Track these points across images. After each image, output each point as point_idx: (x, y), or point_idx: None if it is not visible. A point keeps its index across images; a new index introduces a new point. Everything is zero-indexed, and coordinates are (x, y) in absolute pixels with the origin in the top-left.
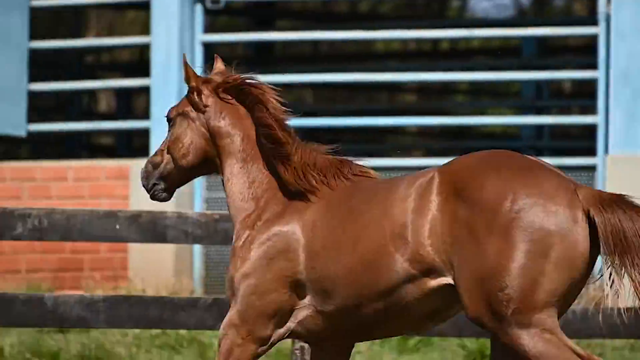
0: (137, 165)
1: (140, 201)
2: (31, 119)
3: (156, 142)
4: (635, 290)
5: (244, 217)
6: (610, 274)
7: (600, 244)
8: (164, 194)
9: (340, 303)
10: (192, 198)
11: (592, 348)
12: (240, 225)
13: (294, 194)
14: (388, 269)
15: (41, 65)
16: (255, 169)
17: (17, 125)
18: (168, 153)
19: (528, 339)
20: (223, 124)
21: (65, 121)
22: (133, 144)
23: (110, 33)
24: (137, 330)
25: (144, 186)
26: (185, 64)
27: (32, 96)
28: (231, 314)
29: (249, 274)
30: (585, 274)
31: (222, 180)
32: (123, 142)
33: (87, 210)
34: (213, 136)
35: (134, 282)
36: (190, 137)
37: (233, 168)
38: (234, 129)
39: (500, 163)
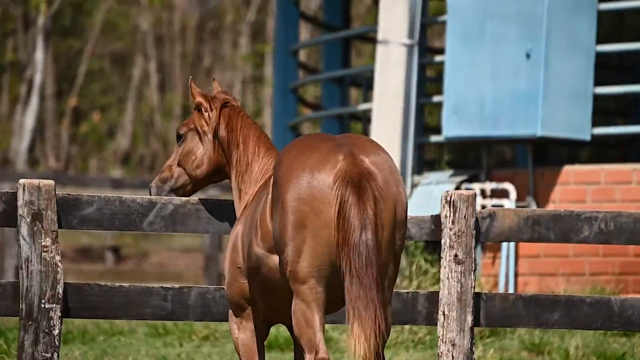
0: None
1: None
2: (595, 122)
3: None
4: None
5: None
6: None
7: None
8: None
9: (257, 287)
10: None
11: None
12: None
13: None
14: (252, 253)
15: (606, 68)
16: (247, 177)
17: (582, 128)
18: (178, 166)
19: (294, 306)
20: (229, 135)
21: (629, 124)
22: None
23: None
24: None
25: None
26: (191, 85)
27: (597, 99)
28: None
29: (225, 269)
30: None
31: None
32: None
33: None
34: (222, 146)
35: None
36: (203, 149)
37: (233, 174)
38: (235, 139)
39: (295, 145)
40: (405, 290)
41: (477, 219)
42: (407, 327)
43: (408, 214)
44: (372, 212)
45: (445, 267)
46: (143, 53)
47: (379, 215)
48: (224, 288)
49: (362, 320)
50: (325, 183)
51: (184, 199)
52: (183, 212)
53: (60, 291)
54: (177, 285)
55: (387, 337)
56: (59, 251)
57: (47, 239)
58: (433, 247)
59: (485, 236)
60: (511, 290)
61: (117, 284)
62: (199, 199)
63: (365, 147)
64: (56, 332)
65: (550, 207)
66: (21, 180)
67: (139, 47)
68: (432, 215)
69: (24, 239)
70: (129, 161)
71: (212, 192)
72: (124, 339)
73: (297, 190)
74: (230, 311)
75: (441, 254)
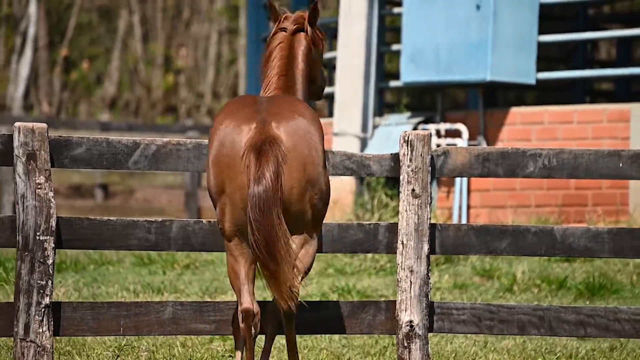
0: (636, 109)
1: None
2: (539, 68)
3: None
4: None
5: None
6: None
7: None
8: None
9: None
10: None
11: None
12: None
13: None
14: None
15: (549, 18)
16: None
17: (527, 73)
18: None
19: (226, 260)
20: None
21: (570, 69)
22: (632, 89)
23: None
24: (637, 260)
25: None
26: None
27: (541, 47)
28: None
29: None
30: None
31: None
32: (623, 87)
33: (592, 150)
34: None
35: (634, 216)
36: None
37: None
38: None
39: (224, 108)
40: (367, 222)
41: (432, 156)
42: (369, 255)
43: (369, 153)
44: (272, 171)
45: (403, 201)
46: (127, 7)
47: (282, 174)
48: (202, 221)
49: (268, 266)
50: (237, 153)
51: (165, 140)
52: (164, 152)
53: (54, 225)
54: (160, 219)
55: (302, 269)
56: (52, 188)
57: (41, 177)
58: (393, 182)
59: (439, 172)
60: (464, 222)
61: (106, 218)
62: (178, 140)
63: (282, 113)
64: (50, 261)
65: (499, 145)
66: (17, 124)
67: (124, 2)
68: (391, 154)
69: (20, 177)
70: (116, 106)
71: (192, 134)
72: (112, 268)
73: (216, 158)
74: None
75: (400, 188)
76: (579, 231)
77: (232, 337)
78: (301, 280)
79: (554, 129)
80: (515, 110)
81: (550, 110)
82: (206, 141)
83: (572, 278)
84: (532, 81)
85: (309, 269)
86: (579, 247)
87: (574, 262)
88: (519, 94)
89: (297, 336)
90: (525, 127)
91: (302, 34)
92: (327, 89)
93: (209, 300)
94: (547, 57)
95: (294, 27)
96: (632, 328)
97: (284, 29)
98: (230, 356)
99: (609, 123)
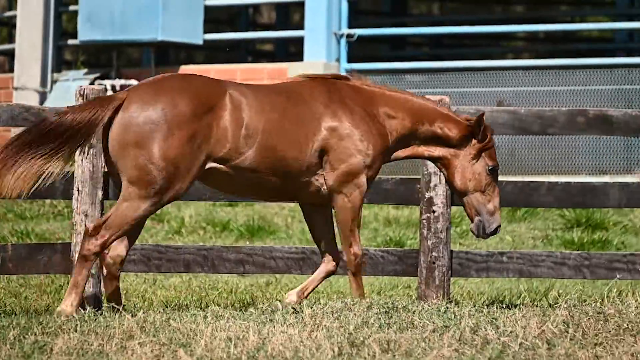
0: (292, 68)
1: None
2: (206, 30)
3: (309, 50)
4: None
5: None
6: None
7: None
8: None
9: None
10: None
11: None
12: None
13: None
14: None
15: None
16: None
17: (195, 34)
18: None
19: None
20: None
21: (235, 31)
22: (290, 50)
23: None
24: (292, 204)
25: None
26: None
27: (207, 10)
28: None
29: None
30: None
31: None
32: (281, 48)
33: None
34: None
35: None
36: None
37: None
38: None
39: (150, 80)
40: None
41: None
42: (47, 201)
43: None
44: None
45: (77, 151)
46: None
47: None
48: None
49: None
50: None
51: None
52: None
53: None
54: None
55: None
56: None
57: None
58: None
59: None
60: None
61: None
62: None
63: (133, 98)
64: None
65: None
66: None
67: None
68: (67, 106)
69: None
70: None
71: None
72: None
73: None
74: None
75: None
76: None
77: None
78: None
79: None
80: (184, 68)
81: (216, 68)
82: None
83: (234, 221)
84: (200, 41)
85: None
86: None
87: (236, 207)
88: (191, 54)
89: None
90: None
91: None
92: (8, 45)
93: None
94: (214, 19)
95: None
96: (285, 265)
97: None
98: None
99: (269, 80)
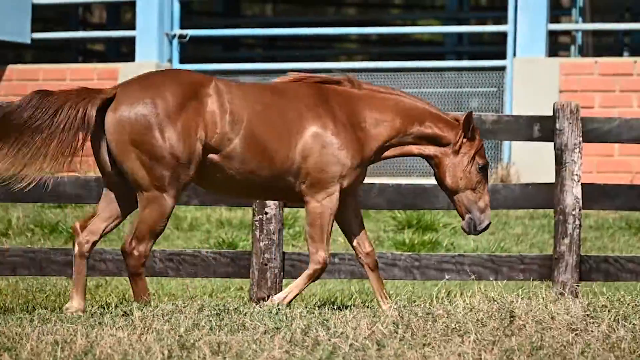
0: (124, 67)
1: None
2: (35, 29)
3: (140, 50)
4: None
5: None
6: None
7: None
8: None
9: None
10: None
11: (499, 217)
12: None
13: None
14: None
15: None
16: None
17: (23, 33)
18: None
19: None
20: None
21: (65, 31)
22: (121, 50)
23: None
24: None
25: None
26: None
27: (36, 9)
28: None
29: None
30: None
31: None
32: (113, 48)
33: None
34: None
35: None
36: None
37: None
38: None
39: (135, 77)
40: None
41: None
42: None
43: None
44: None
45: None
46: None
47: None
48: None
49: None
50: None
51: None
52: None
53: None
54: None
55: None
56: None
57: None
58: None
59: None
60: None
61: None
62: None
63: (121, 98)
64: None
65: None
66: None
67: None
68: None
69: None
70: None
71: None
72: None
73: None
74: None
75: None
76: (69, 180)
77: None
78: None
79: (48, 86)
80: (12, 68)
81: (45, 68)
82: None
83: (63, 223)
84: (28, 40)
85: None
86: (68, 195)
87: (65, 208)
88: (19, 53)
89: None
90: (22, 84)
91: None
92: None
93: None
94: (43, 18)
95: None
96: (116, 267)
97: None
98: None
99: (100, 81)
